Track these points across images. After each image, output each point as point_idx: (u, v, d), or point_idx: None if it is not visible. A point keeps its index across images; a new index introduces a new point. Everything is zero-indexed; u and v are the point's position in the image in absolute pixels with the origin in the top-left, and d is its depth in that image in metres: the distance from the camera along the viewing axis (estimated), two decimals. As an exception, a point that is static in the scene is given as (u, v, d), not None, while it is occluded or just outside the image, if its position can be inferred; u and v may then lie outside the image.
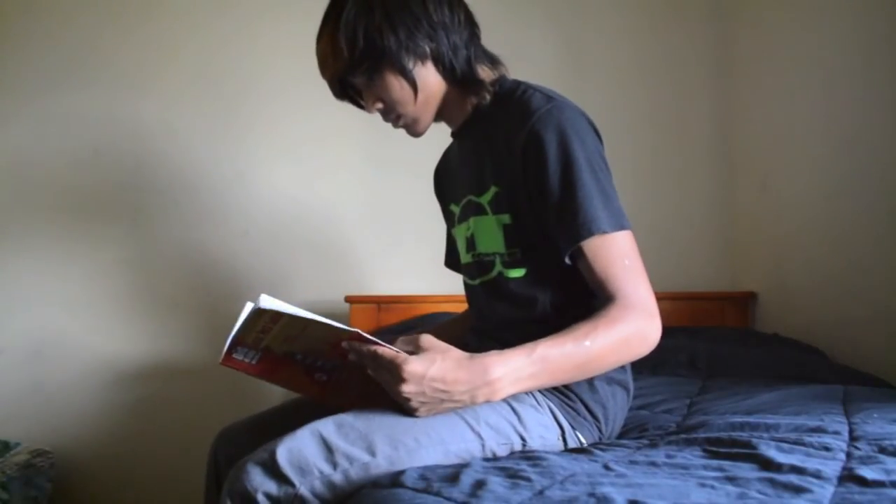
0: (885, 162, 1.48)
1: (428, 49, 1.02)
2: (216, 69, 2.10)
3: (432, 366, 0.84)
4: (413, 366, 0.83)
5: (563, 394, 1.00)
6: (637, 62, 2.16)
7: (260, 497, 0.80)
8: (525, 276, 1.04)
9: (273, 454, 0.82)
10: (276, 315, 0.86)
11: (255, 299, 0.87)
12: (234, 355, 0.92)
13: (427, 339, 0.87)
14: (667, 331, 1.79)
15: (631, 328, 0.91)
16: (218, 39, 2.10)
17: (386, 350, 0.86)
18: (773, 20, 1.94)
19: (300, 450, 0.83)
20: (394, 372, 0.84)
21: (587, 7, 2.17)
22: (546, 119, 0.98)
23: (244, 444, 1.00)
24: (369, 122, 1.20)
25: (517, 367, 0.87)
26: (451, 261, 1.37)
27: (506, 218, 1.04)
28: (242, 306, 0.89)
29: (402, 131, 1.14)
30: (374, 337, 0.88)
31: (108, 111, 2.07)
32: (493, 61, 1.10)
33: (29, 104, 2.05)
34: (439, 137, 1.25)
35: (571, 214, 0.94)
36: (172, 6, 2.09)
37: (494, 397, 0.88)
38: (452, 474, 0.78)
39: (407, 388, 0.84)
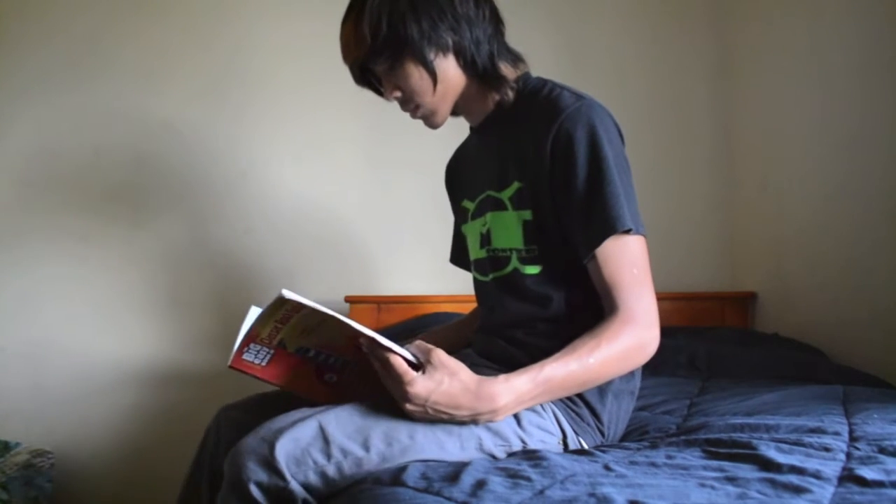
0: (885, 162, 1.48)
1: (450, 41, 1.02)
2: (219, 69, 2.10)
3: (438, 388, 0.85)
4: (417, 388, 0.84)
5: (570, 398, 1.00)
6: (637, 62, 2.16)
7: (252, 487, 0.81)
8: (541, 274, 1.04)
9: (272, 448, 0.82)
10: (298, 305, 0.86)
11: (258, 301, 0.87)
12: (245, 356, 0.92)
13: (438, 356, 0.87)
14: (667, 331, 1.79)
15: (631, 342, 0.93)
16: (221, 39, 2.10)
17: (397, 362, 0.86)
18: (772, 20, 1.94)
19: (297, 440, 0.84)
20: (399, 387, 0.85)
21: (587, 7, 2.17)
22: (576, 117, 0.98)
23: (245, 423, 0.99)
24: (371, 123, 1.20)
25: (522, 393, 0.89)
26: (457, 257, 1.37)
27: (527, 214, 1.04)
28: (243, 305, 0.90)
29: (406, 132, 1.13)
30: (387, 339, 0.88)
31: (110, 110, 2.07)
32: (516, 59, 1.11)
33: (30, 103, 2.05)
34: (442, 138, 1.25)
35: (597, 211, 0.95)
36: (175, 6, 2.09)
37: (495, 419, 0.90)
38: (453, 474, 0.78)
39: (409, 407, 0.86)
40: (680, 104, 2.16)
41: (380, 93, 1.12)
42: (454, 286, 1.43)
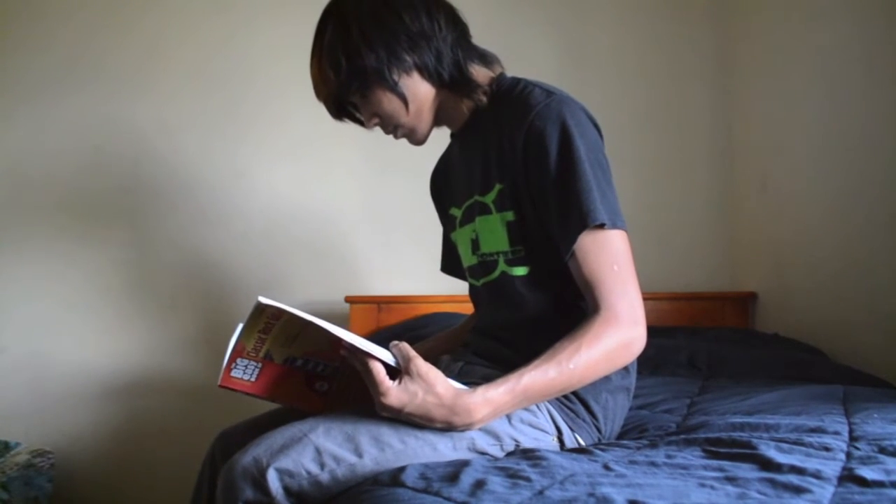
0: (886, 161, 1.48)
1: (411, 60, 1.02)
2: (214, 70, 2.10)
3: (412, 401, 0.85)
4: (391, 400, 0.85)
5: (566, 396, 1.00)
6: (637, 62, 2.16)
7: None
8: (529, 274, 1.04)
9: (264, 473, 0.83)
10: (278, 312, 0.86)
11: (250, 309, 0.87)
12: (233, 372, 0.92)
13: (416, 366, 0.86)
14: (667, 331, 1.81)
15: (614, 342, 0.92)
16: (216, 40, 2.10)
17: (376, 368, 0.85)
18: (773, 20, 1.94)
19: (288, 457, 0.85)
20: (374, 396, 0.86)
21: (587, 7, 2.17)
22: (546, 113, 0.98)
23: (243, 446, 1.00)
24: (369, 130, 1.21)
25: (500, 405, 0.89)
26: (448, 266, 1.36)
27: (510, 215, 1.03)
28: (242, 307, 0.90)
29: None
30: (372, 341, 0.88)
31: (106, 112, 2.07)
32: (487, 60, 1.10)
33: (27, 105, 2.05)
34: (439, 138, 1.25)
35: (570, 206, 0.94)
36: (170, 7, 2.09)
37: (471, 429, 0.90)
38: (452, 474, 0.78)
39: (384, 414, 0.87)
40: (680, 104, 2.16)
41: (359, 122, 1.14)
42: (454, 286, 1.43)
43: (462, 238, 1.17)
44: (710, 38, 2.16)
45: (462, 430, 0.89)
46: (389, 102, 1.04)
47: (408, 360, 0.87)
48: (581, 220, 0.93)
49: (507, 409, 0.91)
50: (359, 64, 1.00)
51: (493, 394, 0.88)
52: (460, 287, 1.32)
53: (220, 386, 0.92)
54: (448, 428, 0.88)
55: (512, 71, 1.13)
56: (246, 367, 0.92)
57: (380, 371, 0.85)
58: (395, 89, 1.02)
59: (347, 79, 1.01)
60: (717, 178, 2.15)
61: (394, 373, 0.87)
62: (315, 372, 0.97)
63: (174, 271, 2.07)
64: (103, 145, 2.06)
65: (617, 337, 0.92)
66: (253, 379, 0.93)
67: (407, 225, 2.10)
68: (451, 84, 1.05)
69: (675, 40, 2.16)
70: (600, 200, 0.94)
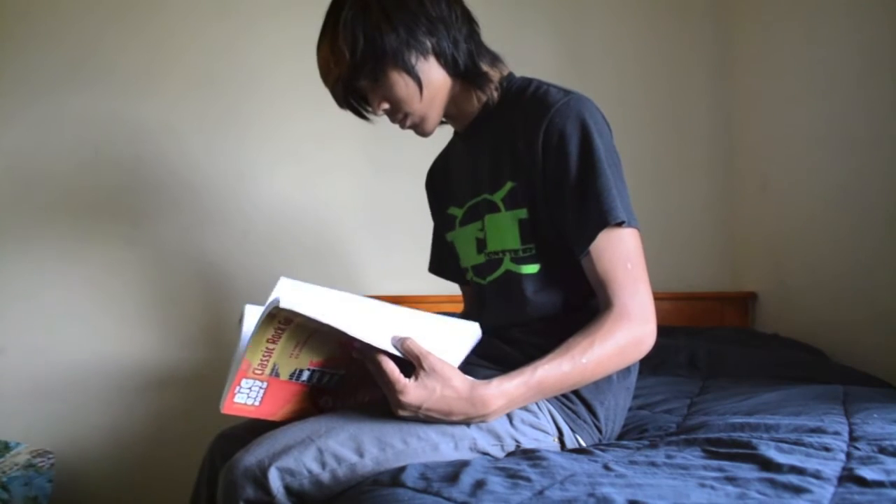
0: (886, 162, 1.48)
1: (429, 44, 1.02)
2: (217, 71, 2.10)
3: (431, 396, 0.85)
4: (410, 397, 0.85)
5: (566, 396, 1.00)
6: (637, 62, 2.16)
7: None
8: (539, 272, 1.04)
9: (265, 473, 0.83)
10: (291, 314, 0.84)
11: (246, 304, 0.86)
12: (237, 398, 0.89)
13: (430, 362, 0.86)
14: (667, 331, 1.80)
15: (625, 338, 0.93)
16: (219, 42, 2.10)
17: (389, 367, 0.85)
18: (773, 20, 1.94)
19: (290, 456, 0.85)
20: (392, 395, 0.86)
21: (587, 7, 2.17)
22: (565, 111, 0.98)
23: (242, 447, 1.00)
24: (370, 123, 1.20)
25: (515, 397, 0.90)
26: (437, 266, 1.36)
27: (522, 213, 1.03)
28: (242, 306, 0.89)
29: (402, 133, 1.13)
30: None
31: (109, 112, 2.06)
32: (495, 59, 1.10)
33: (30, 105, 2.05)
34: (442, 138, 1.25)
35: (590, 205, 0.95)
36: (174, 8, 2.09)
37: (487, 421, 0.91)
38: (452, 474, 0.78)
39: (402, 413, 0.87)
40: (680, 103, 2.16)
41: (362, 115, 1.12)
42: (453, 286, 1.43)
43: (464, 237, 1.17)
44: (710, 38, 2.16)
45: (477, 422, 0.90)
46: (405, 86, 1.03)
47: (421, 356, 0.86)
48: (601, 218, 0.94)
49: (521, 402, 0.92)
50: (378, 43, 0.99)
51: (509, 386, 0.89)
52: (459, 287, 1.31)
53: (224, 411, 0.90)
54: (465, 420, 0.89)
55: (511, 71, 1.13)
56: (250, 389, 0.90)
57: (394, 370, 0.85)
58: (411, 72, 1.01)
59: (363, 58, 1.00)
60: (718, 177, 2.15)
61: (403, 369, 0.86)
62: (321, 385, 0.96)
63: (175, 271, 2.07)
64: (106, 145, 2.06)
65: (628, 333, 0.93)
66: (257, 403, 0.91)
67: (407, 225, 2.10)
68: (466, 74, 1.05)
69: (675, 40, 2.16)
70: (619, 199, 0.95)
